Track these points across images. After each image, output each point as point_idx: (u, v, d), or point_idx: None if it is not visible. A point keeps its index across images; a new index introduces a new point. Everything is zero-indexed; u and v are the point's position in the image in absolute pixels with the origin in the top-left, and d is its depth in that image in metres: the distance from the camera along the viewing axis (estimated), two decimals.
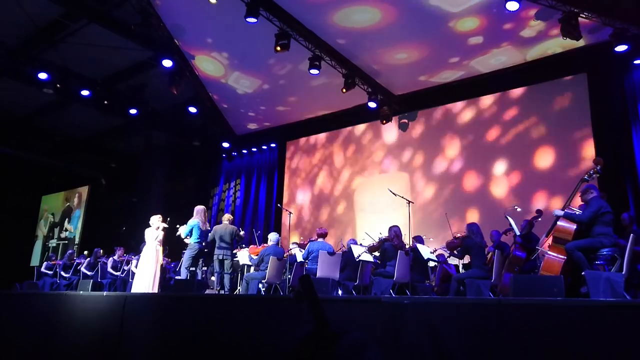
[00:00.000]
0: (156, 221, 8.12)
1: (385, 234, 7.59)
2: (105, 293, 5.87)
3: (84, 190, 17.29)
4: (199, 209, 8.22)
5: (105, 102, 11.78)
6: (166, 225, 8.16)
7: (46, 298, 6.47)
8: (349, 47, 9.67)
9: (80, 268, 11.01)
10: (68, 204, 17.65)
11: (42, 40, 10.22)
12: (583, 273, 4.95)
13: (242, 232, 8.88)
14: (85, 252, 12.32)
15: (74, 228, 16.98)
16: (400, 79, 10.55)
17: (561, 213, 5.46)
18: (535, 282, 4.43)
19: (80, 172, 16.77)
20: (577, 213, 5.40)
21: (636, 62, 8.23)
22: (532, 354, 2.58)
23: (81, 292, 6.98)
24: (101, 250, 11.30)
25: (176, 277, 8.98)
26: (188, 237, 8.01)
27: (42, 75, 10.60)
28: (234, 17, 8.51)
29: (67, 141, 15.11)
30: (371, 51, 9.69)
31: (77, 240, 16.48)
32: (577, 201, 5.81)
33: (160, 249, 8.12)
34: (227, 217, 8.56)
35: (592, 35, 8.27)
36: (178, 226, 8.25)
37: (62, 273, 11.24)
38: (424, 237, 8.34)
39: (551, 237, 5.61)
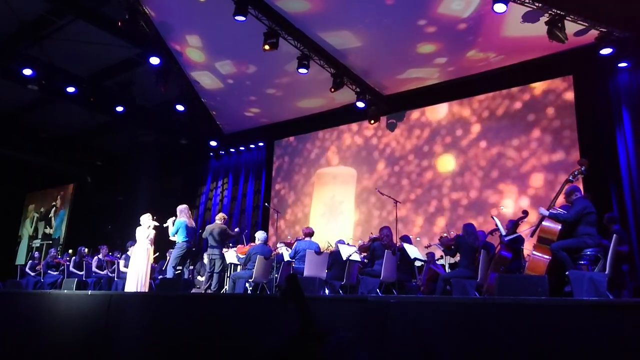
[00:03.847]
0: (147, 220, 8.06)
1: (375, 234, 7.65)
2: (89, 292, 5.80)
3: (69, 189, 17.09)
4: (182, 208, 8.08)
5: (92, 99, 11.64)
6: (157, 224, 8.09)
7: (30, 297, 6.40)
8: (338, 47, 9.66)
9: (64, 267, 10.87)
10: (53, 202, 17.43)
11: (27, 36, 10.06)
12: (567, 273, 5.01)
13: (236, 230, 8.81)
14: (70, 251, 12.17)
15: (58, 226, 16.77)
16: (388, 78, 10.58)
17: (546, 213, 5.52)
18: (520, 282, 4.48)
19: (65, 170, 16.55)
20: (562, 213, 5.46)
21: (620, 65, 8.33)
22: (516, 352, 2.61)
23: (65, 291, 6.90)
24: (85, 249, 11.16)
25: (160, 277, 8.92)
26: (175, 236, 7.95)
27: (27, 72, 10.43)
28: (224, 15, 8.47)
29: (52, 139, 14.90)
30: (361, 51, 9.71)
31: (62, 239, 16.28)
32: (561, 202, 5.87)
33: (151, 248, 8.06)
34: (220, 217, 8.55)
35: (578, 37, 8.36)
36: (165, 222, 8.17)
37: (49, 272, 11.07)
38: (411, 237, 8.38)
39: (536, 237, 5.68)
